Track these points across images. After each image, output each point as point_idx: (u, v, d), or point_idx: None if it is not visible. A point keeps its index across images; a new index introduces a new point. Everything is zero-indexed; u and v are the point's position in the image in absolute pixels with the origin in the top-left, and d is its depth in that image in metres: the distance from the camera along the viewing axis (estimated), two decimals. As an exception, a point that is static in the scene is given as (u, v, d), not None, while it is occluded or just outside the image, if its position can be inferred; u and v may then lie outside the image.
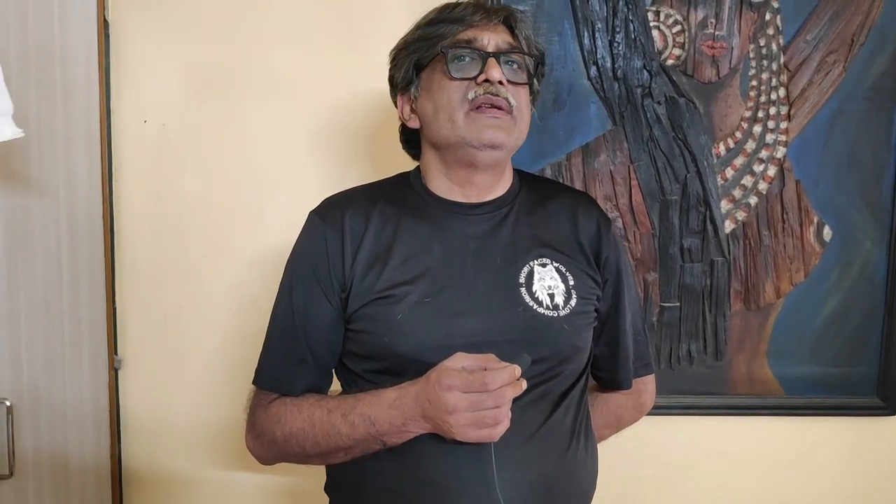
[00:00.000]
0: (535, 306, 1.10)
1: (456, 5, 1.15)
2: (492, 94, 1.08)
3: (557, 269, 1.14)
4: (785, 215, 1.62)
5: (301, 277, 1.14)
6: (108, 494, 1.63)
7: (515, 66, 1.13)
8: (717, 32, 1.57)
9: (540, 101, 1.56)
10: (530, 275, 1.12)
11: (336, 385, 1.20)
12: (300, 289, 1.14)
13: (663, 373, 1.65)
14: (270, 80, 1.61)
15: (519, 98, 1.12)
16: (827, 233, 1.63)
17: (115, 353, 1.65)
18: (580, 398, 1.16)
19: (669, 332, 1.65)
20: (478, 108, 1.08)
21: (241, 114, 1.62)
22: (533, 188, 1.23)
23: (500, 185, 1.18)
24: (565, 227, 1.19)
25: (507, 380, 0.95)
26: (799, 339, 1.66)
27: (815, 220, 1.62)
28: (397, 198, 1.17)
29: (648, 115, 1.59)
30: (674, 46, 1.58)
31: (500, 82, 1.09)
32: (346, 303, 1.11)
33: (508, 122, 1.10)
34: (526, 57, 1.15)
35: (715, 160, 1.61)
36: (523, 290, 1.11)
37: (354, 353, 1.13)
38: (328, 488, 1.19)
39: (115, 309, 1.64)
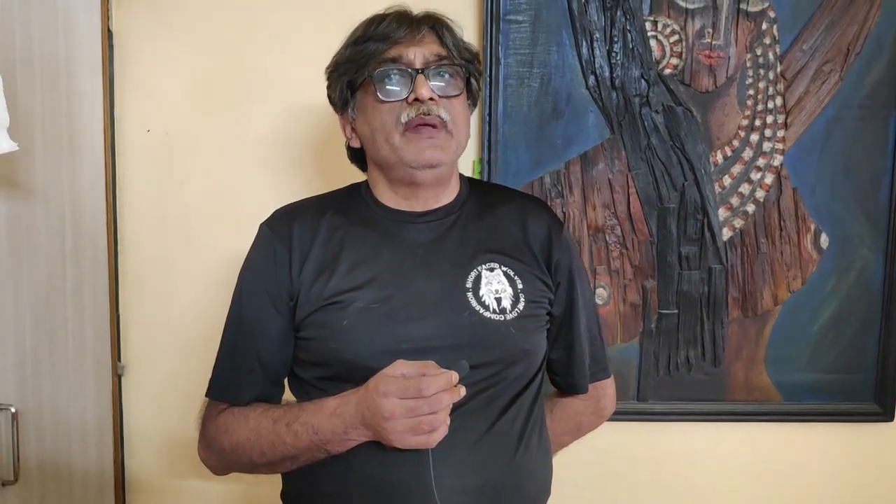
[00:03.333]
0: (482, 310, 1.10)
1: (382, 19, 1.14)
2: (424, 114, 1.08)
3: (506, 274, 1.14)
4: (782, 223, 1.63)
5: (250, 288, 1.15)
6: (111, 501, 1.65)
7: (447, 75, 1.13)
8: (714, 42, 1.59)
9: (538, 110, 1.59)
10: (478, 279, 1.12)
11: (289, 394, 1.21)
12: (249, 300, 1.15)
13: (661, 379, 1.67)
14: (274, 88, 1.63)
15: (453, 111, 1.12)
16: (824, 240, 1.64)
17: (119, 360, 1.67)
18: (531, 403, 1.15)
19: (668, 339, 1.66)
20: (413, 128, 1.09)
21: (244, 122, 1.64)
22: (482, 194, 1.24)
23: (446, 194, 1.19)
24: (515, 232, 1.19)
25: (443, 386, 0.96)
26: (796, 346, 1.67)
27: (812, 227, 1.64)
28: (347, 208, 1.18)
29: (646, 124, 1.61)
30: (671, 56, 1.59)
31: (432, 99, 1.09)
32: (295, 311, 1.12)
33: (444, 139, 1.11)
34: (458, 65, 1.14)
35: (712, 168, 1.62)
36: (470, 294, 1.11)
37: (303, 361, 1.13)
38: (283, 495, 1.20)
39: (118, 316, 1.66)
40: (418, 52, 1.11)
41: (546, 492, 1.20)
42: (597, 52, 1.59)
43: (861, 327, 1.66)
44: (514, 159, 1.62)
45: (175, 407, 1.68)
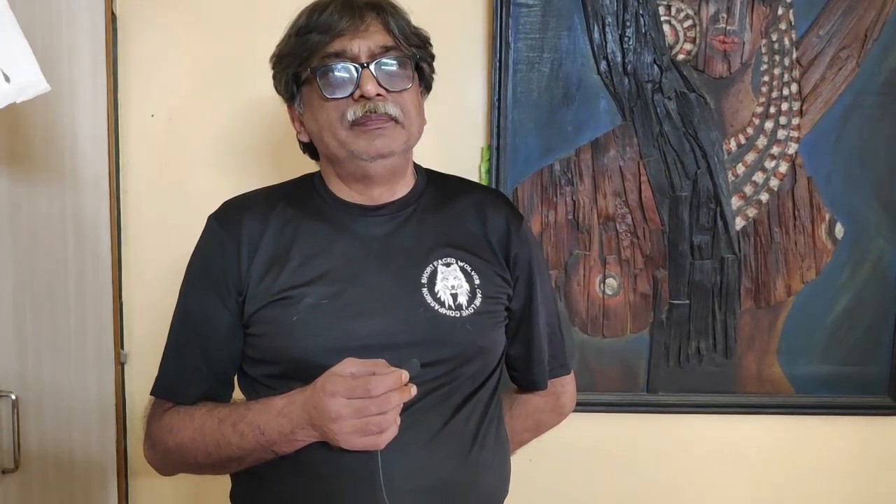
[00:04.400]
0: (437, 306, 1.06)
1: (324, 7, 1.07)
2: (371, 112, 1.04)
3: (462, 269, 1.10)
4: (796, 212, 1.60)
5: (197, 283, 1.11)
6: (113, 488, 1.63)
7: (395, 65, 1.07)
8: (728, 27, 1.56)
9: (548, 96, 1.57)
10: (433, 275, 1.08)
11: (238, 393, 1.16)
12: (196, 295, 1.11)
13: (672, 371, 1.64)
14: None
15: (404, 103, 1.07)
16: (839, 230, 1.61)
17: (122, 348, 1.65)
18: (488, 401, 1.12)
19: (678, 329, 1.63)
20: (361, 124, 1.05)
21: (249, 108, 1.61)
22: (439, 186, 1.19)
23: (401, 186, 1.14)
24: (473, 225, 1.15)
25: (392, 385, 0.92)
26: (810, 338, 1.64)
27: (827, 217, 1.61)
28: (299, 200, 1.14)
29: (659, 111, 1.58)
30: (685, 41, 1.56)
31: (379, 95, 1.04)
32: (244, 307, 1.07)
33: (394, 131, 1.06)
34: (406, 55, 1.08)
35: (726, 156, 1.59)
36: (425, 290, 1.07)
37: (252, 358, 1.09)
38: (232, 496, 1.16)
39: (121, 304, 1.64)
40: (363, 45, 1.05)
41: (503, 491, 1.16)
42: (609, 36, 1.56)
43: (876, 319, 1.63)
44: (523, 146, 1.59)
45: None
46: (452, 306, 1.07)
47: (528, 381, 1.25)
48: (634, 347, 1.64)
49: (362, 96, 1.04)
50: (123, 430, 1.66)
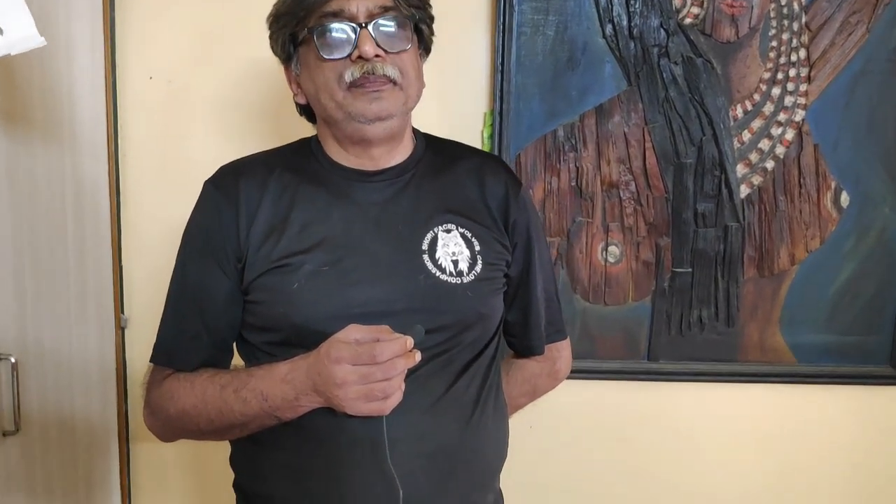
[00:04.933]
0: (438, 273, 1.06)
1: None
2: (369, 73, 1.02)
3: (463, 235, 1.09)
4: (802, 180, 1.59)
5: (195, 250, 1.10)
6: (115, 452, 1.64)
7: (394, 26, 1.05)
8: (736, -10, 1.53)
9: (553, 60, 1.54)
10: (434, 241, 1.08)
11: (238, 359, 1.16)
12: (194, 262, 1.10)
13: (673, 339, 1.64)
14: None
15: (402, 65, 1.05)
16: (844, 198, 1.59)
17: (122, 312, 1.64)
18: (488, 367, 1.12)
19: (681, 297, 1.62)
20: (358, 85, 1.03)
21: (250, 70, 1.59)
22: (438, 151, 1.18)
23: (399, 151, 1.13)
24: (472, 191, 1.14)
25: (397, 351, 0.91)
26: (813, 307, 1.63)
27: (833, 185, 1.59)
28: (296, 165, 1.12)
29: (664, 76, 1.55)
30: (692, 5, 1.53)
31: (378, 56, 1.02)
32: (243, 274, 1.06)
33: (393, 93, 1.05)
34: (405, 15, 1.06)
35: (732, 123, 1.57)
36: (426, 256, 1.06)
37: (252, 325, 1.08)
38: (232, 461, 1.16)
39: (121, 268, 1.63)
40: (361, 4, 1.03)
41: (502, 456, 1.17)
42: (615, -1, 1.53)
43: (880, 289, 1.62)
44: (526, 111, 1.57)
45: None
46: (453, 273, 1.06)
47: (525, 346, 1.26)
48: (636, 315, 1.63)
49: (360, 57, 1.02)
50: (124, 395, 1.66)
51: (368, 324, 0.96)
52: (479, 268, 1.08)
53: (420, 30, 1.10)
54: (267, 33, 1.54)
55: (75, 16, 1.48)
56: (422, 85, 1.11)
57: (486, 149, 1.59)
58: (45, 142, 1.41)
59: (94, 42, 1.52)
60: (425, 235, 1.08)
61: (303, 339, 1.00)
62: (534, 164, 1.58)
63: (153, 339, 1.64)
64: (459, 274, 1.06)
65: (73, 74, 1.49)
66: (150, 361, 1.13)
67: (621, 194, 1.59)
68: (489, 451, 1.12)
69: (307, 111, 1.17)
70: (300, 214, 1.07)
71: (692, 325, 1.63)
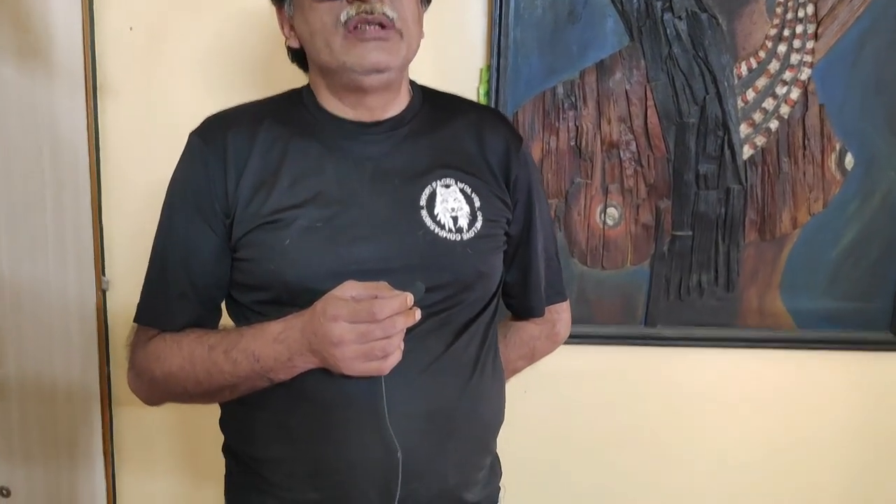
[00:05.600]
0: (437, 229, 1.01)
1: None
2: (366, 13, 0.95)
3: (462, 191, 1.04)
4: (806, 141, 1.54)
5: (180, 205, 1.03)
6: (97, 416, 1.59)
7: None
8: (745, -58, 1.47)
9: (553, 13, 1.48)
10: (432, 196, 1.02)
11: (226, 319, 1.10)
12: (180, 217, 1.03)
13: (672, 304, 1.60)
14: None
15: (401, 7, 0.98)
16: (849, 161, 1.55)
17: (103, 275, 1.58)
18: (486, 328, 1.08)
19: (680, 261, 1.59)
20: (354, 28, 0.96)
21: (236, 21, 1.52)
22: (436, 104, 1.12)
23: (396, 103, 1.07)
24: (471, 146, 1.09)
25: (397, 309, 0.87)
26: (814, 272, 1.60)
27: (838, 146, 1.55)
28: (287, 116, 1.06)
29: (668, 31, 1.50)
30: (698, -44, 1.47)
31: None
32: (231, 230, 1.01)
33: (393, 41, 0.98)
34: None
35: (736, 81, 1.52)
36: (424, 212, 1.01)
37: (241, 284, 1.03)
38: (222, 423, 1.11)
39: (101, 227, 1.57)
40: None
41: (500, 419, 1.13)
42: (618, -50, 1.47)
43: (883, 253, 1.59)
44: (525, 67, 1.51)
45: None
46: (453, 229, 1.01)
47: (524, 308, 1.21)
48: (634, 280, 1.59)
49: None
50: (107, 358, 1.61)
51: (364, 281, 0.91)
52: (479, 224, 1.03)
53: None
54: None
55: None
56: (420, 35, 1.04)
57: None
58: (19, 95, 1.34)
59: (70, -11, 1.45)
60: (423, 190, 1.02)
61: (295, 297, 0.95)
62: (532, 122, 1.53)
63: (136, 301, 1.60)
64: (459, 230, 1.01)
65: (49, 24, 1.41)
66: (134, 321, 1.07)
67: (621, 155, 1.54)
68: (487, 414, 1.08)
69: (299, 57, 1.11)
70: (291, 167, 1.01)
71: (691, 289, 1.60)
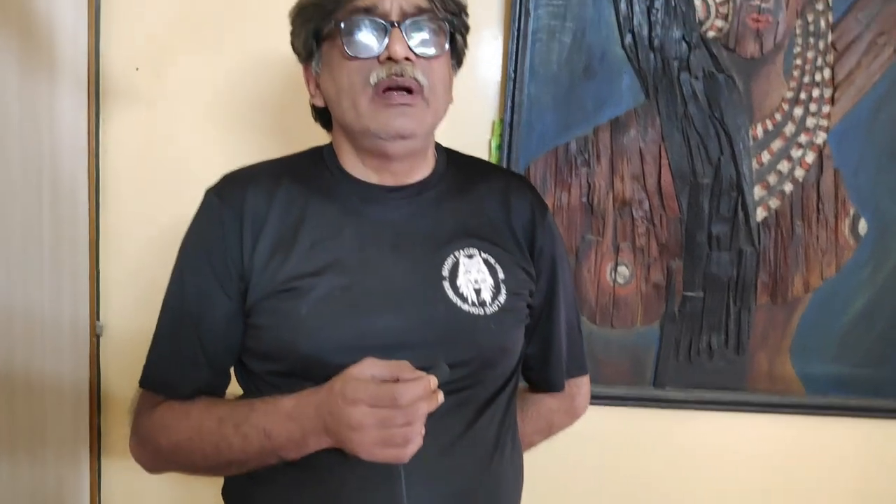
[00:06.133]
0: (459, 303, 0.96)
1: None
2: (397, 76, 0.93)
3: (486, 261, 1.00)
4: (820, 205, 1.53)
5: (194, 264, 0.99)
6: (85, 468, 1.54)
7: (428, 31, 0.96)
8: (763, 4, 1.46)
9: (569, 69, 1.46)
10: (455, 267, 0.98)
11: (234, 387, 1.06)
12: (193, 277, 0.98)
13: (681, 365, 1.57)
14: (279, 28, 1.47)
15: (432, 74, 0.96)
16: (863, 226, 1.54)
17: (98, 320, 1.53)
18: (507, 404, 1.03)
19: (691, 323, 1.55)
20: (383, 92, 0.93)
21: (246, 65, 1.49)
22: (461, 168, 1.08)
23: (421, 168, 1.03)
24: (496, 213, 1.05)
25: (421, 393, 0.82)
26: (825, 337, 1.57)
27: (852, 212, 1.53)
28: (307, 175, 1.02)
29: (684, 91, 1.48)
30: (716, 17, 1.46)
31: (408, 59, 0.93)
32: (246, 294, 0.96)
33: (419, 107, 0.95)
34: (441, 20, 0.97)
35: (751, 142, 1.50)
36: (446, 283, 0.97)
37: (254, 352, 0.98)
38: (224, 494, 1.06)
39: (98, 272, 1.52)
40: (395, 2, 0.95)
41: (518, 498, 1.09)
42: (636, 7, 1.45)
43: (893, 321, 1.57)
44: (538, 122, 1.48)
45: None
46: (476, 302, 0.96)
47: (544, 381, 1.16)
48: (644, 340, 1.56)
49: (389, 58, 0.93)
50: (98, 408, 1.55)
51: (383, 356, 0.86)
52: (502, 297, 0.99)
53: (454, 39, 1.01)
54: (265, 25, 1.46)
55: (58, -1, 1.37)
56: (449, 100, 1.01)
57: (494, 159, 1.51)
58: (20, 129, 1.29)
59: (77, 26, 1.41)
60: (446, 260, 0.98)
61: (310, 370, 0.91)
62: (544, 177, 1.50)
63: (130, 348, 1.55)
64: (482, 304, 0.97)
65: (54, 61, 1.37)
66: (140, 385, 1.02)
67: (634, 213, 1.52)
68: (507, 493, 1.04)
69: (322, 116, 1.08)
70: (310, 231, 0.97)
71: (701, 351, 1.57)
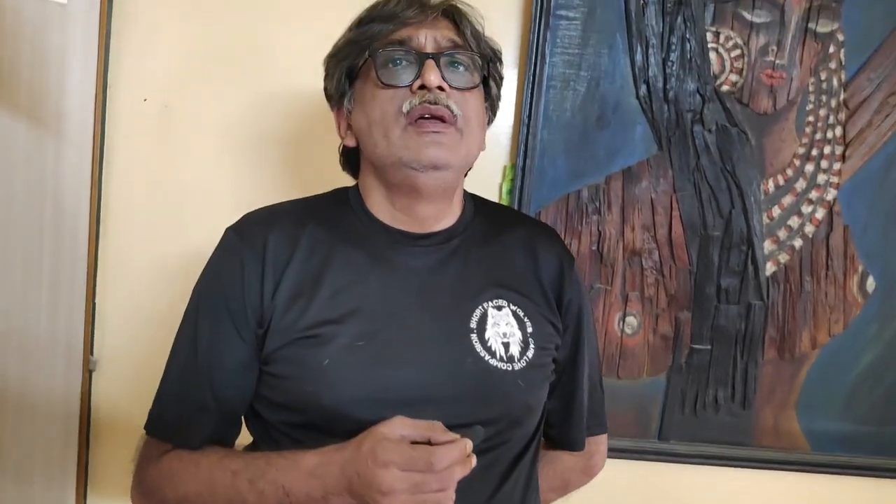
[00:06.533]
0: (487, 357, 0.93)
1: (388, 0, 0.97)
2: (430, 103, 0.91)
3: (515, 314, 0.97)
4: (829, 261, 1.52)
5: (210, 307, 0.95)
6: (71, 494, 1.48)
7: (462, 67, 0.95)
8: (777, 61, 1.46)
9: (582, 117, 1.46)
10: (483, 319, 0.95)
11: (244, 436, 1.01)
12: (207, 321, 0.94)
13: (686, 419, 1.55)
14: (289, 64, 1.46)
15: (466, 106, 0.95)
16: (870, 284, 1.53)
17: (91, 354, 1.49)
18: (531, 464, 1.01)
19: (697, 376, 1.54)
20: (416, 121, 0.92)
21: (256, 101, 1.47)
22: (488, 216, 1.06)
23: (449, 214, 1.01)
24: (523, 263, 1.02)
25: (457, 458, 0.79)
26: (830, 394, 1.56)
27: (860, 269, 1.53)
28: (331, 218, 1.00)
29: (697, 143, 1.48)
30: (731, 72, 1.46)
31: (441, 87, 0.92)
32: (263, 341, 0.93)
33: (453, 137, 0.93)
34: (475, 56, 0.97)
35: (762, 197, 1.50)
36: (474, 336, 0.94)
37: (270, 401, 0.94)
38: None
39: (94, 305, 1.48)
40: (430, 35, 0.94)
41: None
42: (651, 59, 1.46)
43: (898, 379, 1.56)
44: (551, 168, 1.47)
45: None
46: (504, 357, 0.93)
47: (563, 438, 1.12)
48: (650, 392, 1.54)
49: (422, 87, 0.92)
50: (86, 443, 1.50)
51: (407, 411, 0.83)
52: (530, 353, 0.96)
53: (488, 84, 1.00)
54: (275, 61, 1.45)
55: (70, 21, 1.34)
56: (482, 143, 1.00)
57: (505, 203, 1.49)
58: (26, 159, 1.26)
59: (87, 56, 1.39)
60: (474, 311, 0.95)
61: (330, 423, 0.87)
62: (555, 224, 1.48)
63: (122, 384, 1.51)
64: (510, 359, 0.94)
65: (63, 85, 1.35)
66: (146, 431, 0.97)
67: (643, 263, 1.51)
68: None
69: (349, 161, 1.06)
70: (334, 277, 0.94)
71: (707, 405, 1.55)
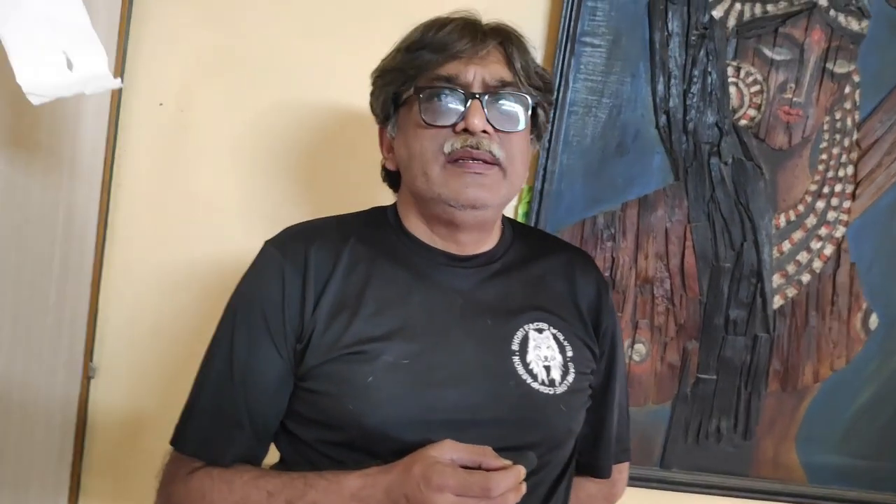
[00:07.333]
0: (530, 380, 0.92)
1: (443, 25, 0.95)
2: (472, 147, 0.91)
3: (555, 337, 0.97)
4: (835, 297, 1.55)
5: (247, 321, 0.93)
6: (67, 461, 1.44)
7: (508, 105, 0.94)
8: (794, 98, 1.49)
9: (602, 144, 1.46)
10: (524, 341, 0.95)
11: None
12: (244, 335, 0.93)
13: (689, 447, 1.56)
14: (306, 74, 1.44)
15: (510, 147, 0.94)
16: (873, 320, 1.56)
17: (91, 361, 1.45)
18: (567, 489, 1.01)
19: (702, 405, 1.55)
20: (456, 161, 0.91)
21: (274, 109, 1.45)
22: (526, 240, 1.07)
23: (489, 239, 1.02)
24: (562, 288, 1.03)
25: (512, 485, 0.79)
26: (829, 427, 1.58)
27: (864, 306, 1.55)
28: (372, 236, 0.99)
29: (713, 175, 1.49)
30: (749, 107, 1.48)
31: (485, 131, 0.91)
32: (303, 356, 0.91)
33: (495, 178, 0.93)
34: (523, 94, 0.95)
35: (774, 231, 1.52)
36: (516, 358, 0.93)
37: (304, 417, 0.92)
38: None
39: (97, 310, 1.44)
40: (478, 73, 0.93)
41: None
42: (673, 90, 1.47)
43: (895, 415, 1.59)
44: (568, 193, 1.48)
45: (145, 422, 1.47)
46: (545, 381, 0.93)
47: (590, 465, 1.11)
48: (654, 419, 1.55)
49: (465, 129, 0.91)
50: (81, 454, 1.46)
51: (451, 432, 0.83)
52: (570, 377, 0.95)
53: (536, 113, 0.99)
54: (293, 72, 1.43)
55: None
56: (525, 174, 0.99)
57: (519, 226, 1.49)
58: (45, 168, 1.23)
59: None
60: (515, 333, 0.95)
61: (372, 443, 0.86)
62: (569, 249, 1.49)
63: (121, 392, 1.47)
64: (552, 383, 0.93)
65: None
66: (175, 448, 0.94)
67: (655, 291, 1.51)
68: None
69: (391, 177, 1.04)
70: (376, 293, 0.93)
71: (709, 434, 1.56)
